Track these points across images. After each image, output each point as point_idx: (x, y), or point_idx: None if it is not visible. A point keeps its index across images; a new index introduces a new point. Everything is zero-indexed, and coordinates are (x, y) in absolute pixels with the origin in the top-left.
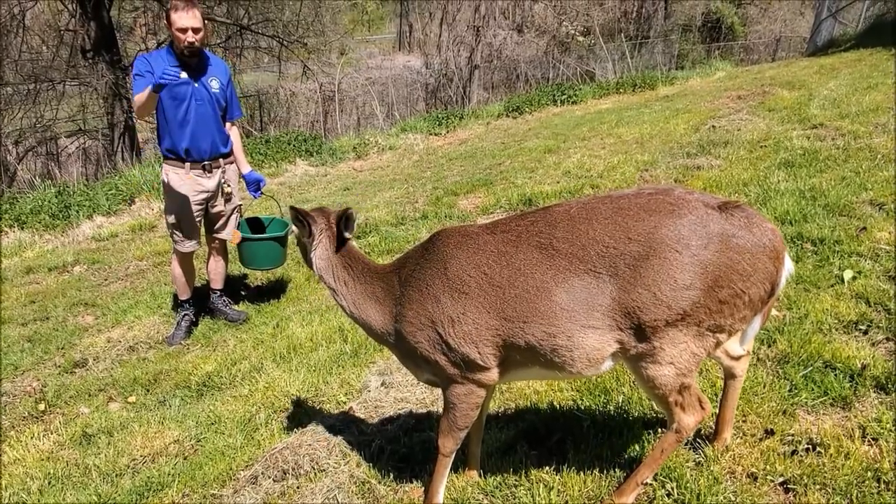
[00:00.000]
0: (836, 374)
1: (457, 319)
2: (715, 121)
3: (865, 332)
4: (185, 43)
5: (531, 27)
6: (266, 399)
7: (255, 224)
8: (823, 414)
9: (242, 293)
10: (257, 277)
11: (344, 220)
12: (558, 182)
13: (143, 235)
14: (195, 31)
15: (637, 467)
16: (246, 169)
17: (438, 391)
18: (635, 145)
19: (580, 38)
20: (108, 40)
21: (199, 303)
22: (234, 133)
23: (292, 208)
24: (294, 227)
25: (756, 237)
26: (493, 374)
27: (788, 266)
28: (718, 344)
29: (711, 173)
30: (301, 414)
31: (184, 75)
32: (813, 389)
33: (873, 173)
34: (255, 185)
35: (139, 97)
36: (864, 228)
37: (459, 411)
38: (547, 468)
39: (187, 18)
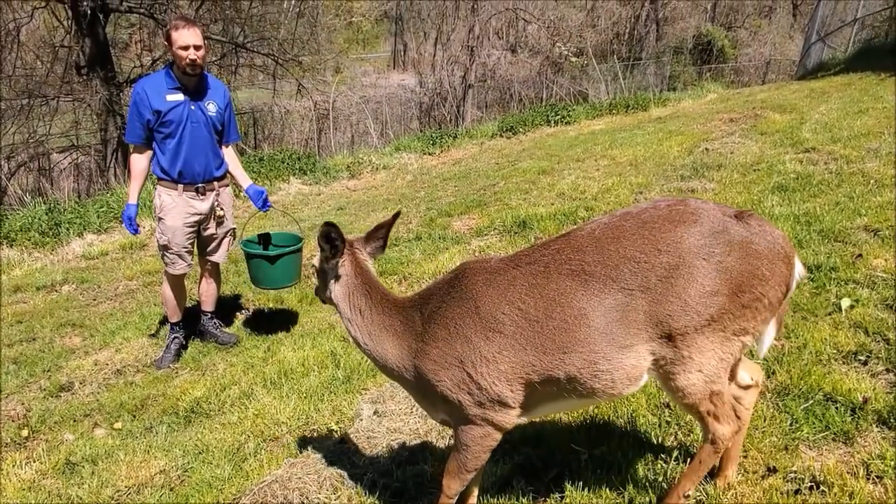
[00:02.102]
0: (837, 408)
1: (492, 359)
2: (708, 143)
3: (865, 363)
4: (187, 61)
5: (525, 47)
6: (255, 427)
7: (265, 241)
8: (826, 450)
9: (234, 315)
10: (249, 299)
11: (376, 241)
12: (553, 204)
13: (133, 254)
14: (196, 48)
15: (678, 480)
16: (247, 183)
17: (432, 421)
18: (629, 167)
19: (573, 59)
20: (103, 56)
21: (191, 325)
22: (230, 154)
23: (327, 224)
24: (321, 246)
25: (771, 243)
26: (514, 415)
27: (799, 269)
28: (743, 348)
29: (705, 196)
30: (291, 443)
31: (180, 97)
32: (814, 424)
33: (867, 198)
34: (259, 198)
35: (133, 153)
36: (861, 255)
37: (472, 454)
38: None
39: (189, 36)
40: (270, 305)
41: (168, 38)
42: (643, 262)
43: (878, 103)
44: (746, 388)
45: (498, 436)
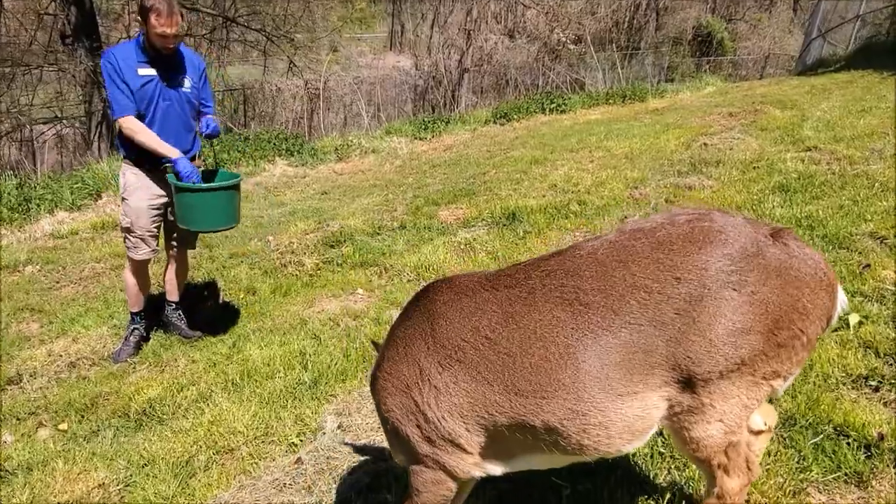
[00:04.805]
0: (849, 444)
1: (444, 389)
2: (707, 138)
3: (876, 390)
4: (162, 47)
5: (522, 33)
6: (209, 437)
7: (206, 178)
8: (837, 493)
9: (202, 306)
10: (220, 289)
11: None
12: (544, 196)
13: (104, 234)
14: (175, 37)
15: None
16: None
17: None
18: (625, 160)
19: (571, 47)
20: (89, 26)
21: (155, 315)
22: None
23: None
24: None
25: (813, 268)
26: (469, 462)
27: (842, 298)
28: (772, 393)
29: (703, 194)
30: (246, 458)
31: (152, 72)
32: (824, 463)
33: (872, 202)
34: (209, 126)
35: (132, 126)
36: (868, 266)
37: (423, 501)
38: None
39: (169, 26)
40: (241, 296)
41: (145, 16)
42: (657, 291)
43: (882, 103)
44: (758, 433)
45: (452, 485)
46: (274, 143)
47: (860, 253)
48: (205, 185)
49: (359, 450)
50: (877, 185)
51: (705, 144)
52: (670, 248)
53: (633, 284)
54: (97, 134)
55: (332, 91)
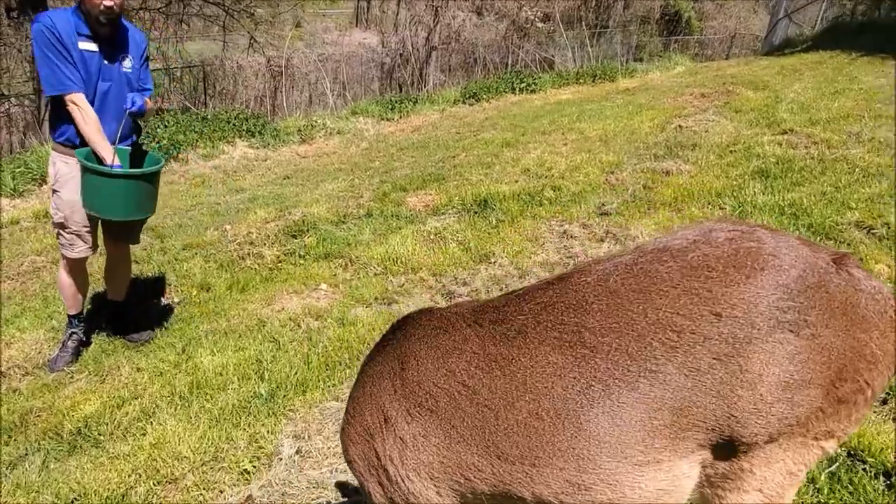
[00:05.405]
0: (865, 470)
1: (411, 443)
2: (681, 120)
3: (884, 402)
4: (102, 7)
5: (491, 10)
6: (150, 463)
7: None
8: None
9: (150, 303)
10: (171, 285)
11: None
12: (516, 181)
13: (47, 224)
14: (119, 9)
15: None
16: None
17: None
18: (599, 143)
19: (539, 24)
20: None
21: (98, 315)
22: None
23: None
24: None
25: (881, 306)
26: None
27: None
28: (822, 456)
29: (682, 179)
30: (191, 489)
31: (93, 47)
32: (841, 494)
33: (855, 189)
34: (134, 103)
35: (84, 107)
36: (860, 260)
37: None
38: None
39: None
40: (194, 293)
41: None
42: (690, 331)
43: (854, 84)
44: None
45: None
46: (234, 124)
47: (848, 244)
48: (119, 171)
49: (318, 483)
50: (857, 170)
51: (680, 127)
52: (708, 274)
53: (658, 321)
54: (46, 112)
55: (295, 69)
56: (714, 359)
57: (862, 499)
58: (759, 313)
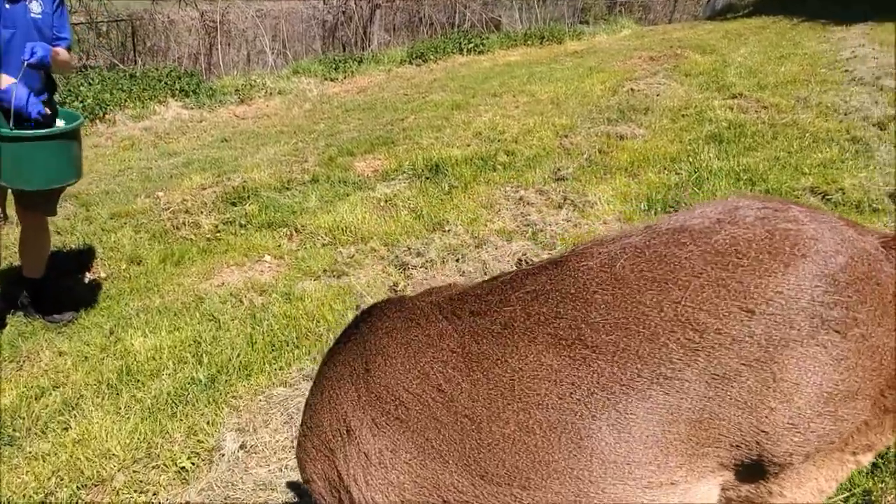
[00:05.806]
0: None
1: (377, 459)
2: (633, 83)
3: None
4: None
5: None
6: (73, 463)
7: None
8: None
9: (73, 280)
10: (98, 258)
11: None
12: (468, 145)
13: None
14: None
15: None
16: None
17: None
18: (551, 106)
19: None
20: None
21: (13, 295)
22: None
23: None
24: None
25: None
26: None
27: None
28: (857, 468)
29: (636, 144)
30: (122, 491)
31: None
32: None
33: (807, 154)
34: (33, 53)
35: None
36: None
37: None
38: None
39: None
40: (124, 267)
41: None
42: (715, 330)
43: (798, 49)
44: None
45: None
46: (166, 82)
47: None
48: (28, 133)
49: (265, 483)
50: (807, 135)
51: (632, 90)
52: (738, 262)
53: (675, 318)
54: None
55: (232, 25)
56: (743, 364)
57: (852, 486)
58: (800, 310)
